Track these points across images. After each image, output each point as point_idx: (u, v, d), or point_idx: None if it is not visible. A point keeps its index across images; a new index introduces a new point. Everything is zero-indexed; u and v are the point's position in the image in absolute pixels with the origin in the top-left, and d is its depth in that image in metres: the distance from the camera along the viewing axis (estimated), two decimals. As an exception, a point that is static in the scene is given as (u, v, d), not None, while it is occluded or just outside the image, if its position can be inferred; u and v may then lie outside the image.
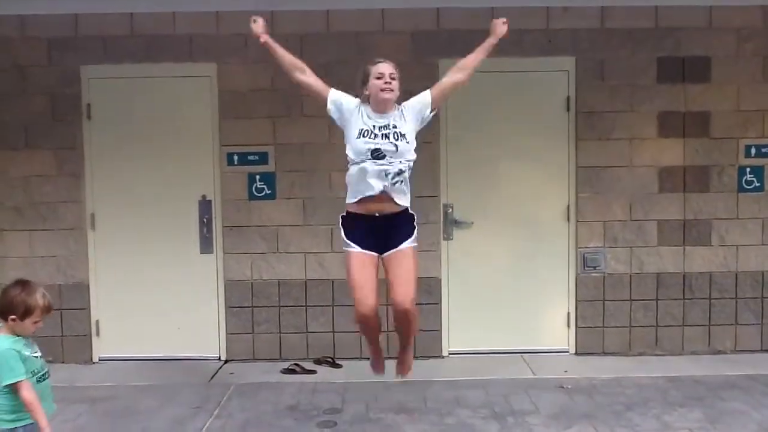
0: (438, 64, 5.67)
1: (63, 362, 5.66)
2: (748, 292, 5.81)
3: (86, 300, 5.77)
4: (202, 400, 4.90)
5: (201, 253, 5.79)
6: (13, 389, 2.89)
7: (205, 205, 5.78)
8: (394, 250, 3.75)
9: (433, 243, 5.70)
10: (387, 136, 3.73)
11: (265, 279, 5.77)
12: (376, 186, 3.71)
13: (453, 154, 5.76)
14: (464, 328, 5.85)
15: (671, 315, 5.81)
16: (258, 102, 5.69)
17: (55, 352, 5.56)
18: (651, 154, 5.74)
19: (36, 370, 2.98)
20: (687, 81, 5.71)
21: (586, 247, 5.79)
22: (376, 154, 3.70)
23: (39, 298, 2.98)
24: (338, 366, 5.63)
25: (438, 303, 5.78)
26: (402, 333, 3.94)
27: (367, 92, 3.80)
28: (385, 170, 3.71)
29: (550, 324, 5.88)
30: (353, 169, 3.79)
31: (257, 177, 5.72)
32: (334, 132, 5.63)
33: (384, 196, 3.74)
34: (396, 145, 3.72)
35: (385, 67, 3.78)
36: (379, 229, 3.76)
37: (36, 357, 3.02)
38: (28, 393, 2.89)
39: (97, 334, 5.82)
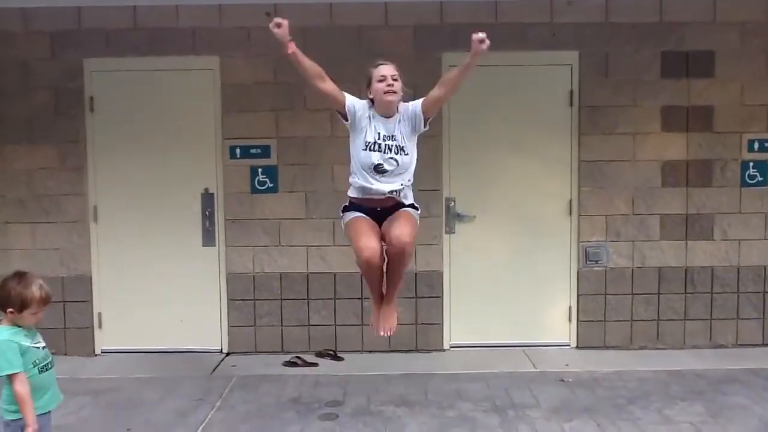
0: (441, 58, 5.68)
1: (65, 354, 5.68)
2: (750, 287, 5.80)
3: (89, 292, 5.79)
4: (203, 392, 4.91)
5: (203, 246, 5.80)
6: (9, 381, 2.89)
7: (207, 198, 5.79)
8: (396, 212, 3.84)
9: (435, 236, 5.71)
10: (390, 149, 3.80)
11: (267, 272, 5.78)
12: (381, 194, 3.82)
13: (455, 147, 5.76)
14: (466, 322, 5.86)
15: (673, 309, 5.81)
16: (261, 95, 5.69)
17: (57, 345, 5.58)
18: (654, 149, 5.74)
19: (37, 361, 2.98)
20: (691, 76, 5.70)
21: (588, 241, 5.79)
22: (379, 169, 3.79)
23: (35, 290, 2.97)
24: (340, 359, 5.65)
25: (440, 296, 5.79)
26: (393, 271, 3.84)
27: (371, 95, 3.86)
28: (388, 190, 3.81)
29: (551, 318, 5.89)
30: (355, 179, 3.87)
31: (260, 170, 5.73)
32: (336, 126, 5.67)
33: (388, 198, 3.84)
34: (397, 161, 3.80)
35: (387, 69, 3.81)
36: (382, 213, 3.86)
37: (37, 347, 3.02)
38: (21, 387, 2.87)
39: (100, 326, 5.84)
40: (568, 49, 5.70)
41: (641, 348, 5.81)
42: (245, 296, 5.79)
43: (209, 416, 4.48)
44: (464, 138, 5.76)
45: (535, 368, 5.38)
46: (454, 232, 5.82)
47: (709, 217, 5.77)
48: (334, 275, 5.72)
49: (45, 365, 3.02)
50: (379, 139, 3.80)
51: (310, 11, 5.61)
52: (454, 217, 5.82)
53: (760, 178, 5.75)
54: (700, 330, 5.83)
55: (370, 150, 3.80)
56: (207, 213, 5.79)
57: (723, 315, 5.81)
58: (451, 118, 5.74)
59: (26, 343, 2.96)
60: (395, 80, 3.79)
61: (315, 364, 5.53)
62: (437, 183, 5.71)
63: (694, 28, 5.67)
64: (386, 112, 3.84)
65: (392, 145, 3.80)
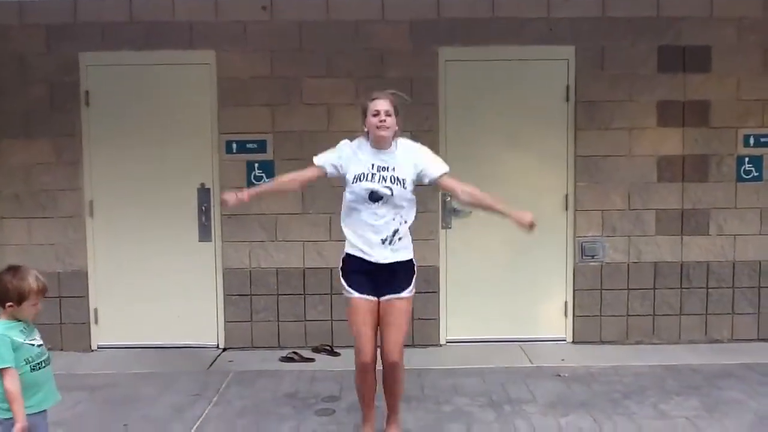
0: (438, 52, 5.68)
1: (62, 350, 5.67)
2: (746, 282, 5.82)
3: (85, 288, 5.78)
4: (200, 387, 4.91)
5: (200, 241, 5.80)
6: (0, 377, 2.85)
7: (203, 193, 5.78)
8: (392, 296, 3.78)
9: (431, 232, 5.71)
10: (384, 179, 3.75)
11: (264, 267, 5.78)
12: (375, 253, 3.76)
13: (452, 142, 5.75)
14: (462, 317, 5.87)
15: (668, 304, 5.83)
16: (257, 90, 5.67)
17: (53, 340, 5.55)
18: (650, 144, 5.74)
19: (30, 358, 2.94)
20: (687, 70, 5.70)
21: (585, 237, 5.80)
22: (374, 197, 3.74)
23: (32, 281, 2.95)
24: (336, 354, 5.65)
25: (436, 291, 5.79)
26: (388, 391, 3.93)
27: (365, 128, 3.83)
28: (381, 233, 3.74)
29: (547, 313, 5.90)
30: (350, 216, 3.82)
31: (256, 165, 5.72)
32: (333, 120, 5.67)
33: (383, 253, 3.79)
34: (391, 189, 3.74)
35: (381, 104, 3.77)
36: (380, 271, 3.78)
37: (32, 344, 2.97)
38: (11, 383, 2.83)
39: (96, 321, 5.83)
40: (565, 43, 5.70)
41: (637, 343, 5.83)
42: (242, 291, 5.79)
43: (206, 411, 4.48)
44: (460, 133, 5.75)
45: (532, 363, 5.40)
46: (450, 228, 5.82)
47: (704, 212, 5.78)
48: (331, 270, 5.71)
49: (38, 363, 2.97)
50: (372, 169, 3.76)
51: (307, 5, 5.59)
52: (450, 213, 5.82)
53: (756, 173, 5.77)
54: (695, 325, 5.85)
55: (360, 180, 3.75)
56: (203, 208, 5.78)
57: (718, 310, 5.83)
58: (448, 113, 5.74)
59: (20, 339, 2.92)
60: (388, 115, 3.75)
61: (311, 360, 5.54)
62: (434, 178, 5.70)
63: (691, 23, 5.67)
64: (380, 145, 3.81)
65: (387, 176, 3.75)
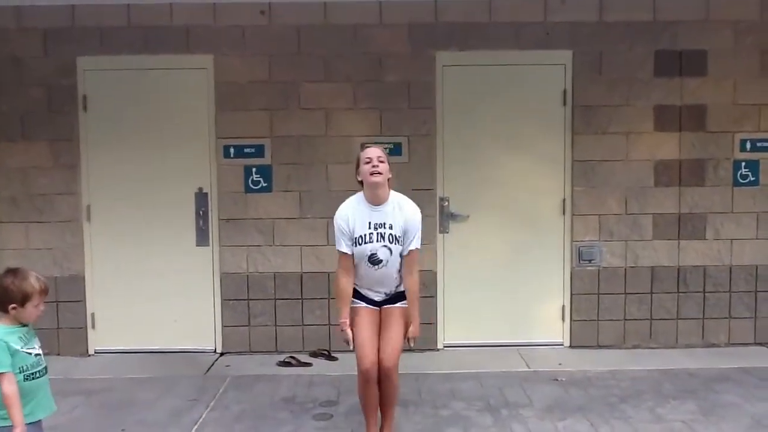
0: (435, 56, 5.69)
1: (59, 354, 5.67)
2: (742, 286, 5.83)
3: (82, 292, 5.77)
4: (198, 392, 4.91)
5: (197, 245, 5.79)
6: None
7: (201, 198, 5.78)
8: (392, 306, 3.93)
9: (429, 236, 5.70)
10: (383, 237, 3.80)
11: (261, 272, 5.78)
12: (377, 298, 3.92)
13: (449, 147, 5.76)
14: (459, 321, 5.87)
15: (665, 308, 5.84)
16: (255, 94, 5.68)
17: (50, 345, 5.56)
18: (647, 148, 5.75)
19: (25, 367, 2.90)
20: (684, 74, 5.72)
21: (582, 241, 5.81)
22: (373, 260, 3.81)
23: (34, 282, 2.94)
24: (334, 359, 5.65)
25: (434, 296, 5.80)
26: (383, 397, 3.94)
27: (359, 178, 3.87)
28: (383, 287, 3.89)
29: (545, 317, 5.90)
30: (356, 269, 3.90)
31: (254, 170, 5.72)
32: (330, 125, 5.68)
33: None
34: (390, 249, 3.81)
35: (372, 152, 3.82)
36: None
37: (29, 353, 2.93)
38: (8, 387, 2.81)
39: (93, 326, 5.82)
40: (562, 48, 5.71)
41: (634, 347, 5.84)
42: (239, 296, 5.79)
43: (203, 416, 4.48)
44: (458, 137, 5.76)
45: (529, 367, 5.40)
46: (447, 232, 5.83)
47: (701, 216, 5.79)
48: (328, 275, 5.71)
49: (33, 373, 2.93)
50: (370, 228, 3.81)
51: (305, 10, 5.61)
52: (447, 217, 5.82)
53: (753, 178, 5.78)
54: (692, 329, 5.85)
55: (360, 244, 3.81)
56: (201, 212, 5.78)
57: (715, 314, 5.84)
58: (445, 118, 5.75)
59: (17, 345, 2.89)
60: (381, 162, 3.78)
61: (309, 364, 5.53)
62: (431, 182, 5.72)
63: (688, 27, 5.69)
64: (375, 198, 3.83)
65: (385, 234, 3.80)
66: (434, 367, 5.39)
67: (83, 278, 5.77)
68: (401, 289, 3.93)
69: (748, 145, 5.76)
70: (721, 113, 5.74)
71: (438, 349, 5.85)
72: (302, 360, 5.58)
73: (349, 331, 3.86)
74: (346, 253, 3.85)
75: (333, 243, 5.52)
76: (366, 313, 3.90)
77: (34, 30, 5.63)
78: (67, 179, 5.71)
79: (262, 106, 5.69)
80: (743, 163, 5.77)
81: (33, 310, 2.95)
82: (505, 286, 5.85)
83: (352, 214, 3.86)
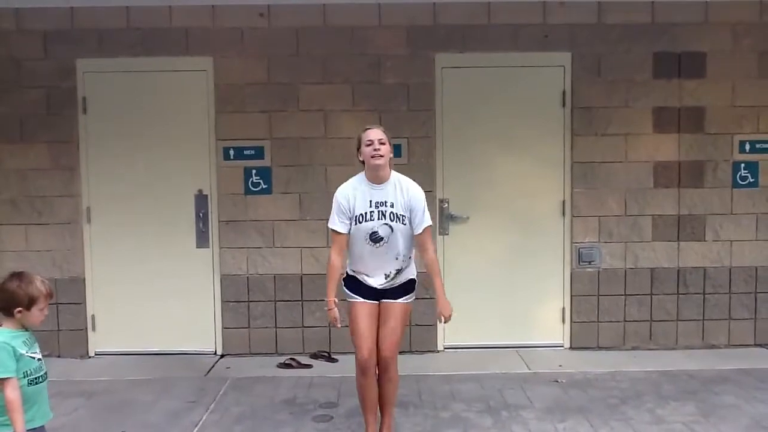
0: (434, 58, 5.70)
1: (59, 356, 5.67)
2: (742, 287, 5.84)
3: (82, 294, 5.77)
4: (198, 394, 4.91)
5: (197, 247, 5.79)
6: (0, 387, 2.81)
7: (201, 200, 5.78)
8: (392, 301, 3.91)
9: (428, 238, 5.71)
10: (384, 215, 3.81)
11: (261, 273, 5.78)
12: (377, 283, 3.87)
13: (449, 149, 5.77)
14: (459, 323, 5.80)
15: (665, 310, 5.84)
16: (254, 96, 5.68)
17: (50, 347, 5.57)
18: (646, 150, 5.76)
19: (29, 372, 2.89)
20: (682, 76, 5.73)
21: (581, 242, 5.81)
22: (374, 237, 3.81)
23: (39, 285, 2.94)
24: (334, 360, 5.65)
25: (434, 297, 5.76)
26: (382, 393, 3.97)
27: (361, 158, 3.89)
28: (383, 269, 3.85)
29: (544, 318, 5.91)
30: (355, 246, 3.88)
31: (253, 172, 5.73)
32: (330, 127, 5.69)
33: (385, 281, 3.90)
34: (391, 227, 3.81)
35: (374, 134, 3.84)
36: (382, 291, 3.91)
37: (33, 358, 2.93)
38: (12, 392, 2.79)
39: (93, 328, 5.82)
40: (561, 50, 5.72)
41: (634, 348, 5.84)
42: (239, 298, 5.79)
43: (203, 418, 4.48)
44: (457, 139, 5.77)
45: (529, 369, 5.40)
46: (447, 234, 5.83)
47: (701, 218, 5.80)
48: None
49: (36, 378, 2.92)
50: (371, 206, 3.82)
51: (304, 12, 5.61)
52: (447, 219, 5.83)
53: (752, 179, 5.79)
54: (692, 330, 5.86)
55: (361, 222, 3.82)
56: (201, 214, 5.78)
57: (715, 315, 5.84)
58: (444, 119, 5.76)
59: (22, 350, 2.88)
60: (382, 144, 3.81)
61: (309, 366, 5.54)
62: (431, 184, 5.71)
63: (686, 29, 5.70)
64: (376, 178, 3.86)
65: (387, 212, 3.81)
66: (434, 369, 5.40)
67: (83, 280, 5.77)
68: (401, 276, 3.89)
69: (747, 147, 5.77)
70: (720, 115, 5.75)
71: (438, 351, 5.86)
72: (302, 362, 5.58)
73: (336, 310, 3.86)
74: (340, 232, 3.86)
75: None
76: (364, 306, 3.89)
77: (34, 32, 5.63)
78: (66, 181, 5.71)
79: (261, 107, 5.69)
80: (742, 165, 5.78)
81: (38, 313, 2.95)
82: (504, 288, 5.85)
83: (353, 193, 3.86)
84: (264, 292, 5.79)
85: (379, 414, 4.02)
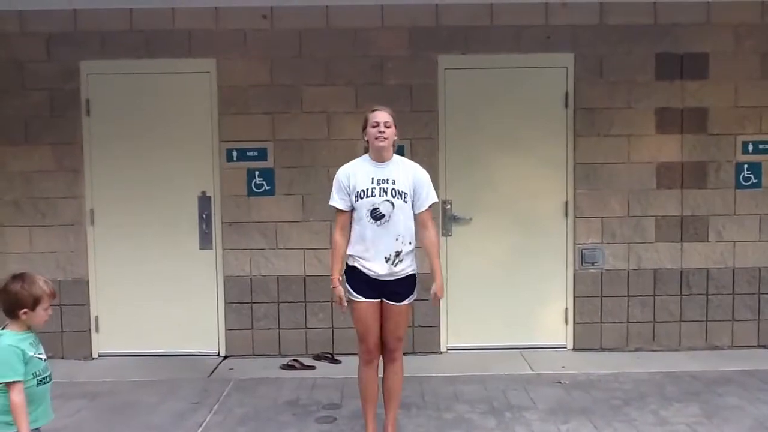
0: (437, 59, 5.70)
1: (62, 358, 5.67)
2: (745, 288, 5.83)
3: (86, 296, 5.78)
4: (201, 395, 4.92)
5: (200, 249, 5.80)
6: (5, 389, 2.82)
7: (204, 201, 5.79)
8: (394, 303, 3.90)
9: (431, 239, 5.72)
10: (385, 191, 3.83)
11: (264, 275, 5.79)
12: (378, 269, 3.84)
13: (451, 150, 5.77)
14: (463, 324, 5.87)
15: (668, 311, 5.83)
16: (257, 98, 5.69)
17: (54, 348, 5.57)
18: (649, 151, 5.76)
19: (38, 372, 2.92)
20: (685, 77, 5.73)
21: (584, 243, 5.81)
22: (375, 214, 3.81)
23: (42, 285, 2.96)
24: (337, 362, 5.65)
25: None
26: (387, 388, 4.00)
27: (366, 138, 3.93)
28: (384, 252, 3.82)
29: (548, 320, 5.90)
30: (354, 232, 3.89)
31: (256, 173, 5.74)
32: (333, 128, 5.69)
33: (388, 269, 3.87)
34: (393, 203, 3.81)
35: (381, 116, 3.87)
36: (383, 283, 3.89)
37: (40, 358, 2.96)
38: (18, 396, 2.81)
39: (97, 329, 5.83)
40: (563, 51, 5.72)
41: (637, 350, 5.83)
42: (242, 299, 5.79)
43: (207, 419, 4.48)
44: (460, 140, 5.77)
45: (532, 370, 5.40)
46: (450, 235, 5.83)
47: (703, 218, 5.79)
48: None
49: (44, 378, 2.95)
50: (372, 183, 3.84)
51: (307, 13, 5.62)
52: (450, 220, 5.83)
53: (755, 180, 5.78)
54: (695, 331, 5.85)
55: (362, 197, 3.84)
56: (204, 216, 5.79)
57: (718, 316, 5.84)
58: (447, 121, 5.76)
59: (30, 352, 2.90)
60: (387, 127, 3.86)
61: (312, 367, 5.54)
62: (434, 186, 5.69)
63: (689, 30, 5.70)
64: (379, 157, 3.90)
65: (388, 188, 3.83)
66: (437, 370, 5.40)
67: (87, 282, 5.78)
68: (401, 264, 3.84)
69: (750, 148, 5.77)
70: (723, 116, 5.75)
71: (441, 352, 5.86)
72: (305, 363, 5.59)
73: (341, 288, 3.88)
74: (338, 209, 3.91)
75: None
76: (366, 305, 3.89)
77: (37, 34, 5.65)
78: (70, 183, 5.73)
79: (264, 109, 5.70)
80: (745, 166, 5.78)
81: (43, 313, 2.96)
82: (507, 289, 5.85)
83: (353, 171, 3.91)
84: (267, 294, 5.79)
85: (377, 413, 4.02)
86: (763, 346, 5.85)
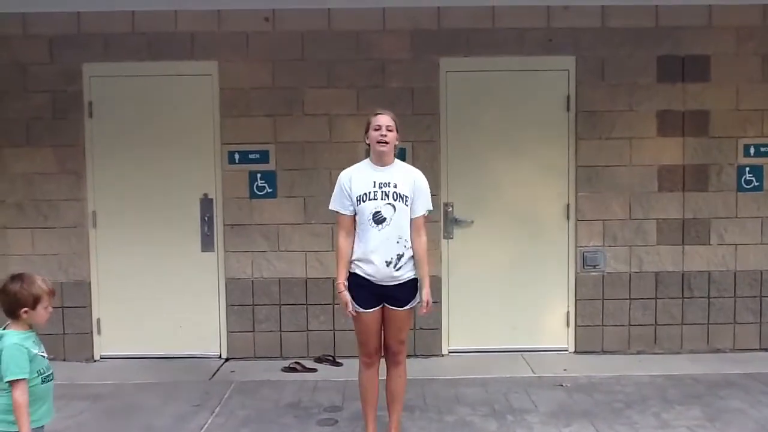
0: (439, 62, 5.71)
1: (64, 360, 5.68)
2: (747, 291, 5.83)
3: (87, 298, 5.79)
4: (203, 397, 4.92)
5: (202, 251, 5.81)
6: (9, 388, 2.85)
7: (206, 204, 5.80)
8: (394, 308, 3.92)
9: (433, 242, 5.67)
10: (386, 195, 3.84)
11: (266, 277, 5.79)
12: (379, 275, 3.84)
13: (453, 152, 5.78)
14: (464, 327, 5.87)
15: (670, 314, 5.83)
16: (259, 100, 5.70)
17: (56, 350, 5.59)
18: (650, 154, 5.76)
19: (42, 370, 2.96)
20: (686, 80, 5.73)
21: (586, 246, 5.81)
22: (377, 218, 3.83)
23: (41, 284, 2.98)
24: (339, 364, 5.65)
25: (438, 301, 5.79)
26: (390, 391, 4.02)
27: (367, 141, 3.95)
28: (385, 256, 3.82)
29: (549, 322, 5.90)
30: (358, 235, 3.90)
31: (258, 175, 5.74)
32: (334, 131, 5.70)
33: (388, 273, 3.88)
34: (394, 206, 3.83)
35: (383, 119, 3.89)
36: (384, 288, 3.89)
37: (43, 356, 3.00)
38: (22, 395, 2.83)
39: (99, 332, 5.84)
40: (565, 53, 5.73)
41: (639, 352, 5.83)
42: (244, 301, 5.80)
43: (209, 422, 4.48)
44: (461, 143, 5.78)
45: (534, 373, 5.39)
46: (452, 238, 5.83)
47: (705, 221, 5.79)
48: (333, 280, 5.64)
49: (47, 376, 2.99)
50: (374, 186, 3.85)
51: (309, 16, 5.63)
52: (452, 223, 5.83)
53: (756, 183, 5.78)
54: (697, 334, 5.85)
55: (363, 201, 3.85)
56: (206, 218, 5.80)
57: (720, 319, 5.83)
58: (449, 123, 5.76)
59: (34, 350, 2.94)
60: (389, 131, 3.88)
61: (314, 370, 5.54)
62: (435, 188, 5.67)
63: (690, 33, 5.71)
64: (380, 161, 3.92)
65: (389, 192, 3.84)
66: (439, 373, 5.40)
67: (89, 284, 5.79)
68: (402, 269, 3.85)
69: (752, 151, 5.77)
70: (724, 118, 5.75)
71: (443, 355, 5.86)
72: (307, 365, 5.59)
73: (347, 293, 3.87)
74: (339, 213, 3.93)
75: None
76: (366, 316, 3.90)
77: (40, 37, 5.66)
78: (72, 185, 5.73)
79: (266, 112, 5.71)
80: (747, 169, 5.78)
81: (43, 312, 2.99)
82: (509, 292, 5.85)
83: (354, 174, 3.93)
84: (269, 296, 5.80)
85: (378, 415, 4.03)
86: (765, 349, 5.84)
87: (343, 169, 4.05)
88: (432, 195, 5.67)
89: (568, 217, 5.84)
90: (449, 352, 5.88)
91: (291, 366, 5.57)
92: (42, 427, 3.01)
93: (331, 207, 3.99)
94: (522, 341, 5.86)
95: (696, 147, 5.76)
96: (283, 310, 5.80)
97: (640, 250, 5.80)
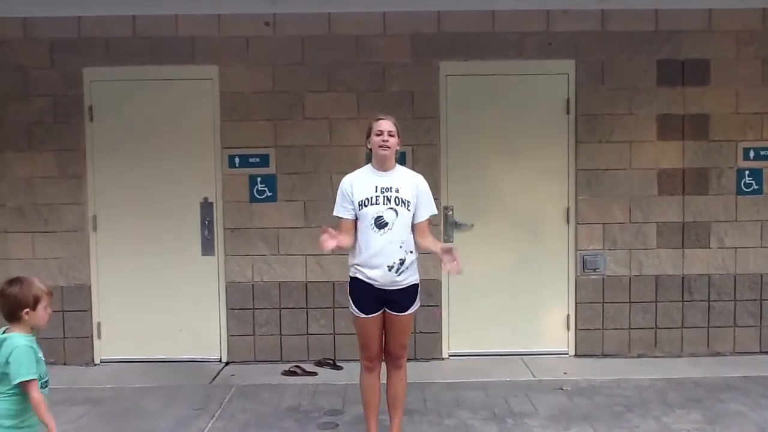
0: (439, 66, 5.72)
1: (64, 364, 5.68)
2: (747, 295, 5.83)
3: (88, 302, 5.79)
4: (203, 401, 4.92)
5: (202, 255, 5.81)
6: (22, 389, 2.88)
7: (206, 208, 5.80)
8: (396, 314, 3.92)
9: (433, 245, 5.72)
10: (389, 199, 3.86)
11: (266, 281, 5.79)
12: (381, 279, 3.85)
13: (453, 156, 5.79)
14: (464, 330, 5.87)
15: (670, 317, 5.83)
16: (259, 104, 5.71)
17: (56, 354, 5.59)
18: (650, 157, 5.77)
19: (42, 375, 2.98)
20: (686, 84, 5.74)
21: (586, 250, 5.81)
22: (379, 222, 3.84)
23: (39, 285, 3.02)
24: (339, 368, 5.65)
25: (438, 305, 5.80)
26: (391, 395, 4.03)
27: (369, 146, 3.98)
28: (387, 260, 3.82)
29: (549, 326, 5.90)
30: (358, 241, 3.91)
31: (258, 179, 5.75)
32: (335, 134, 5.71)
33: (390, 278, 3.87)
34: (396, 211, 3.84)
35: (385, 125, 3.91)
36: (386, 293, 3.89)
37: (44, 360, 3.03)
38: (37, 393, 2.89)
39: (99, 335, 5.84)
40: (565, 57, 5.74)
41: (639, 356, 5.83)
42: (244, 305, 5.80)
43: (209, 425, 4.48)
44: (461, 146, 5.78)
45: (534, 376, 5.39)
46: (452, 241, 5.83)
47: (705, 225, 5.80)
48: (333, 284, 5.74)
49: (45, 382, 3.02)
50: (376, 191, 3.87)
51: (309, 20, 5.65)
52: (452, 226, 5.84)
53: (756, 186, 5.79)
54: (697, 338, 5.85)
55: (365, 206, 3.86)
56: (206, 222, 5.80)
57: (720, 323, 5.83)
58: (449, 127, 5.77)
59: (39, 353, 2.99)
60: (391, 136, 3.90)
61: (314, 373, 5.54)
62: (435, 192, 5.62)
63: (690, 37, 5.72)
64: (382, 166, 3.94)
65: (391, 197, 3.86)
66: (439, 376, 5.39)
67: (89, 288, 5.79)
68: (404, 273, 3.85)
69: (752, 154, 5.77)
70: (724, 122, 5.76)
71: (443, 358, 5.86)
72: (307, 369, 5.59)
73: (329, 233, 3.80)
74: (342, 217, 3.94)
75: (337, 253, 5.56)
76: (368, 320, 3.91)
77: (41, 41, 5.68)
78: (73, 189, 5.74)
79: (266, 115, 5.72)
80: (746, 172, 5.78)
81: (44, 312, 3.02)
82: (509, 295, 5.85)
83: (356, 179, 3.95)
84: (269, 300, 5.80)
85: (379, 419, 4.04)
86: (765, 353, 5.84)
87: (343, 173, 4.06)
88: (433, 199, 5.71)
89: (568, 221, 5.85)
90: (449, 356, 5.88)
91: (291, 370, 5.57)
92: None
93: (335, 213, 3.98)
94: (522, 344, 5.86)
95: (696, 150, 5.76)
96: (284, 313, 5.81)
97: (640, 253, 5.80)
